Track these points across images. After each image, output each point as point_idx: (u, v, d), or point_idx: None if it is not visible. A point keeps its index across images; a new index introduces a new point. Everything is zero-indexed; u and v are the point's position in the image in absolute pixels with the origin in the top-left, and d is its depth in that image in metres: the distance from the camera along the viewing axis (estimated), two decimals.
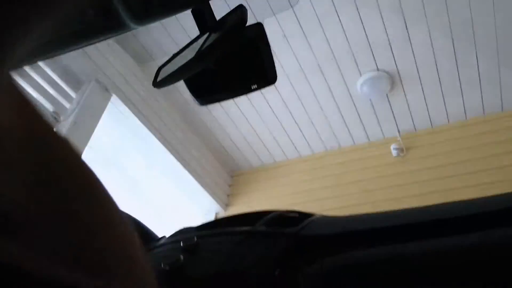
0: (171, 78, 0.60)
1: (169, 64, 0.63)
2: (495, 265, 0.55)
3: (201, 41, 0.59)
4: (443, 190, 2.36)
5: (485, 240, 0.58)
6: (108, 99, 2.15)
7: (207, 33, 0.60)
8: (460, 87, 2.44)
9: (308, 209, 0.83)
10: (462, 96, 2.48)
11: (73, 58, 2.01)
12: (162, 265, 0.63)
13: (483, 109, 2.53)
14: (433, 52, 2.31)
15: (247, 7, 0.58)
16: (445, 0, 2.10)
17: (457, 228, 0.61)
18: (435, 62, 2.34)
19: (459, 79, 2.40)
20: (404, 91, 2.51)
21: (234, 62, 0.63)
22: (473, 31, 2.19)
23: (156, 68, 0.64)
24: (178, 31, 2.26)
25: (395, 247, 0.63)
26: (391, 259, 0.62)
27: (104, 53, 2.22)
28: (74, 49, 0.56)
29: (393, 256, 0.62)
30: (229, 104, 2.62)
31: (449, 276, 0.57)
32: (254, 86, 0.64)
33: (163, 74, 0.62)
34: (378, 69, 2.41)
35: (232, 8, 0.59)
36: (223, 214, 2.84)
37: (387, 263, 0.62)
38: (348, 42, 2.31)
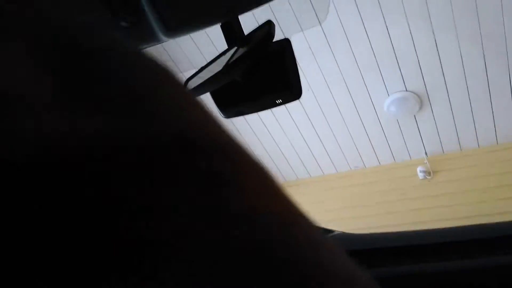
0: (199, 90, 0.61)
1: (196, 77, 0.65)
2: None
3: (228, 54, 0.60)
4: (468, 216, 2.29)
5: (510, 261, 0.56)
6: None
7: (235, 47, 0.61)
8: (492, 109, 2.38)
9: (329, 227, 0.82)
10: (494, 119, 2.42)
11: None
12: None
13: None
14: (464, 72, 2.26)
15: (275, 22, 0.59)
16: (478, 17, 2.07)
17: (482, 249, 0.59)
18: (466, 82, 2.30)
19: (491, 101, 2.34)
20: (432, 112, 2.46)
21: (260, 76, 0.64)
22: (507, 50, 2.14)
23: (184, 80, 0.66)
24: (207, 45, 2.30)
25: (420, 266, 0.61)
26: (416, 275, 0.60)
27: None
28: None
29: (419, 273, 0.61)
30: (253, 118, 2.63)
31: None
32: (279, 101, 0.64)
33: (190, 85, 0.63)
34: (406, 90, 2.38)
35: (260, 24, 0.61)
36: None
37: (413, 280, 0.60)
38: (375, 59, 2.30)
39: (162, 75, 0.15)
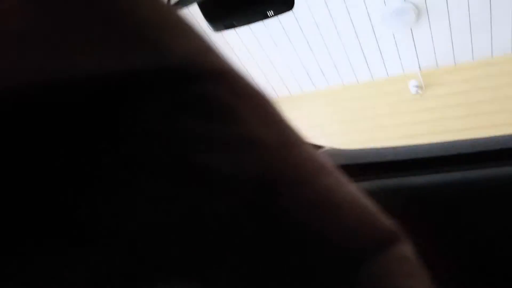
0: (185, 1, 0.57)
1: None
2: None
3: None
4: (458, 130, 2.33)
5: None
6: None
7: None
8: (490, 22, 2.31)
9: (320, 143, 0.83)
10: (491, 32, 2.36)
11: None
12: None
13: None
14: None
15: None
16: None
17: (473, 162, 0.61)
18: None
19: (491, 14, 2.27)
20: (429, 25, 2.39)
21: None
22: None
23: None
24: None
25: (409, 179, 0.63)
26: (405, 188, 0.63)
27: None
28: None
29: (408, 186, 0.63)
30: (244, 31, 2.54)
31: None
32: (271, 12, 0.61)
33: None
34: (404, 0, 2.28)
35: None
36: None
37: (401, 192, 0.63)
38: None
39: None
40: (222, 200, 0.12)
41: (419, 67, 2.61)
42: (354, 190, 0.15)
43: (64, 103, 0.10)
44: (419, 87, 2.57)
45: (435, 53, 2.53)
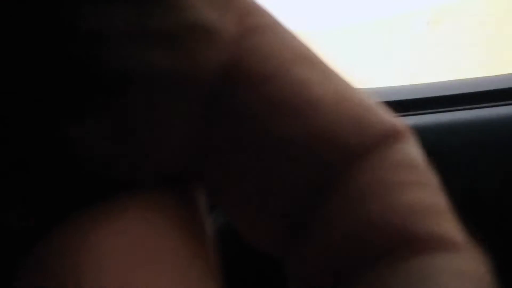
0: None
1: None
2: None
3: None
4: (473, 66, 2.30)
5: None
6: None
7: None
8: None
9: None
10: None
11: None
12: None
13: None
14: None
15: None
16: None
17: (487, 99, 0.61)
18: None
19: None
20: None
21: None
22: None
23: None
24: None
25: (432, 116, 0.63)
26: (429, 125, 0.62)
27: None
28: None
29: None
30: None
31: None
32: None
33: None
34: None
35: None
36: None
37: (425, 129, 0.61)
38: None
39: None
40: (160, 110, 0.11)
41: (431, 2, 2.52)
42: (346, 85, 0.13)
43: None
44: (431, 22, 2.50)
45: None
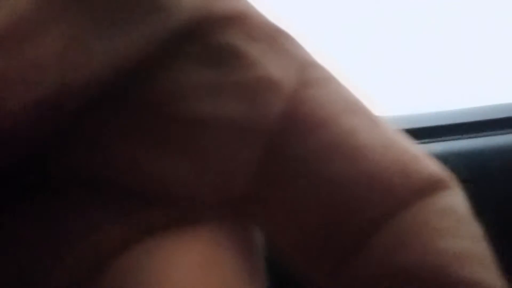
0: None
1: None
2: None
3: None
4: None
5: None
6: None
7: None
8: None
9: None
10: None
11: None
12: None
13: None
14: None
15: None
16: None
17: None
18: None
19: None
20: None
21: None
22: None
23: None
24: None
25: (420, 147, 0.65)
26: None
27: None
28: None
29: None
30: None
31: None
32: None
33: None
34: None
35: None
36: None
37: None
38: None
39: None
40: (232, 147, 0.12)
41: None
42: (393, 133, 0.14)
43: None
44: None
45: None
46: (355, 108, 0.14)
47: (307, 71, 0.14)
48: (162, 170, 0.12)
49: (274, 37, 0.14)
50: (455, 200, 0.14)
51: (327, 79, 0.14)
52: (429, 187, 0.13)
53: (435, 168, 0.14)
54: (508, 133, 0.62)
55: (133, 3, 0.12)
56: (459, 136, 0.63)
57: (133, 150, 0.12)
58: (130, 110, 0.12)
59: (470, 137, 0.62)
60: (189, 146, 0.12)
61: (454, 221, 0.13)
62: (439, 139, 0.63)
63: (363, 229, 0.13)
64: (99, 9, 0.12)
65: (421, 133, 0.66)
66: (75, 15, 0.12)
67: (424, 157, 0.14)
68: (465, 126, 0.64)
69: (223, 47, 0.13)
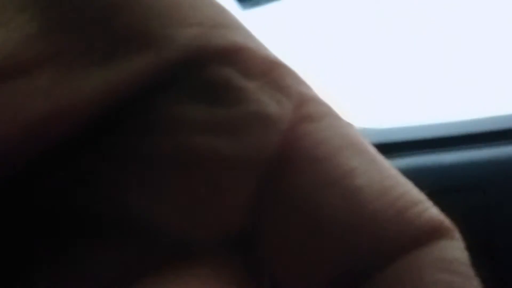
0: None
1: None
2: None
3: None
4: None
5: None
6: None
7: None
8: None
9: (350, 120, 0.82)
10: None
11: None
12: None
13: None
14: None
15: None
16: None
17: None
18: None
19: None
20: None
21: None
22: None
23: None
24: None
25: (429, 157, 0.63)
26: (426, 167, 0.62)
27: None
28: None
29: (428, 164, 0.62)
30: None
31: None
32: None
33: None
34: None
35: None
36: None
37: (422, 170, 0.62)
38: None
39: None
40: (225, 182, 0.12)
41: None
42: (391, 174, 0.13)
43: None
44: None
45: None
46: (354, 145, 0.13)
47: (305, 106, 0.13)
48: (157, 207, 0.12)
49: (271, 71, 0.13)
50: (452, 251, 0.13)
51: (325, 114, 0.13)
52: (426, 235, 0.12)
53: (434, 214, 0.13)
54: None
55: (125, 38, 0.12)
56: (472, 146, 0.62)
57: (127, 185, 0.12)
58: (124, 144, 0.12)
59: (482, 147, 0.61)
60: (183, 182, 0.12)
61: (448, 275, 0.12)
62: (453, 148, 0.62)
63: (354, 276, 0.12)
64: (90, 43, 0.12)
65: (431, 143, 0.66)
66: (66, 50, 0.12)
67: (423, 200, 0.13)
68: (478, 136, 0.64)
69: (218, 82, 0.12)
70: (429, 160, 0.64)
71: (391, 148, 0.70)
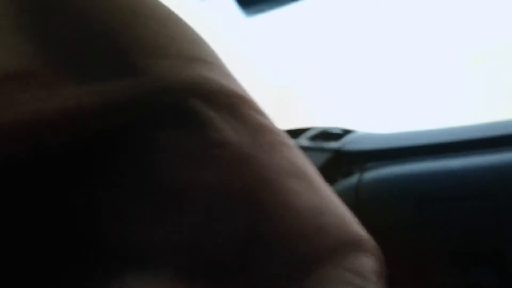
0: None
1: None
2: None
3: None
4: None
5: None
6: None
7: None
8: None
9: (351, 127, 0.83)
10: None
11: None
12: None
13: None
14: None
15: None
16: None
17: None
18: None
19: None
20: None
21: None
22: None
23: None
24: None
25: (436, 162, 0.63)
26: (433, 172, 0.62)
27: None
28: None
29: (435, 169, 0.62)
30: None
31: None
32: None
33: None
34: None
35: None
36: None
37: (428, 176, 0.62)
38: None
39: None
40: (189, 215, 0.13)
41: None
42: (329, 198, 0.15)
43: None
44: None
45: None
46: (302, 173, 0.15)
47: (262, 136, 0.15)
48: (148, 238, 0.12)
49: (234, 103, 0.15)
50: (364, 261, 0.14)
51: (281, 144, 0.15)
52: (343, 247, 0.14)
53: (356, 230, 0.15)
54: None
55: (111, 63, 0.13)
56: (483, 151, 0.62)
57: (117, 217, 0.12)
58: (115, 177, 0.12)
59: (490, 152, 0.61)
60: (171, 214, 0.12)
61: (358, 281, 0.14)
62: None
63: (288, 281, 0.13)
64: (80, 65, 0.13)
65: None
66: (53, 71, 0.12)
67: (350, 220, 0.15)
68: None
69: (186, 110, 0.13)
70: (438, 166, 0.64)
71: (401, 152, 0.69)
